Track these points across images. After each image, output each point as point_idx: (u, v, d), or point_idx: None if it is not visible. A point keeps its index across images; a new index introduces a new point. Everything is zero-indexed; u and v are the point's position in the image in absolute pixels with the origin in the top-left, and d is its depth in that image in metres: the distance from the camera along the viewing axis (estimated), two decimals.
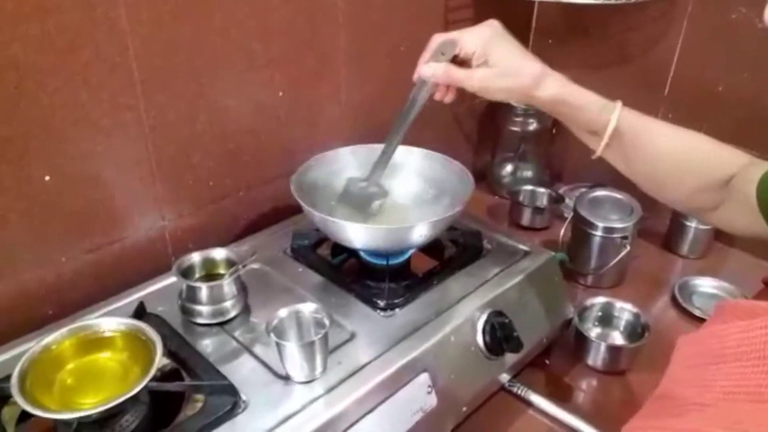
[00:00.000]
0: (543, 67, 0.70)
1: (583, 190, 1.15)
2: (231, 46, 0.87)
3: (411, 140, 0.97)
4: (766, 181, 0.64)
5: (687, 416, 0.42)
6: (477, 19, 1.23)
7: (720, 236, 1.19)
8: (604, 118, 0.69)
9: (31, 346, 0.63)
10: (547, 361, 0.93)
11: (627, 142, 0.70)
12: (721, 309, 0.50)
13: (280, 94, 0.96)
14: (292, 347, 0.66)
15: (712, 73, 1.13)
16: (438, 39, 0.73)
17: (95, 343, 0.65)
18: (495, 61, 0.70)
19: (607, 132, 0.69)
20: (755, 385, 0.39)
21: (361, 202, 0.87)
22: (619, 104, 0.70)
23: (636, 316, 0.95)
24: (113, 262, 0.85)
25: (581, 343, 0.92)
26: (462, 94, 0.77)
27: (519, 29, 1.34)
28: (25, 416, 0.64)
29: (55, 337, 0.64)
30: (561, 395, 0.87)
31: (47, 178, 0.75)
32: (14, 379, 0.58)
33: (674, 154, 0.71)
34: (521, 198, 1.28)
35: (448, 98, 0.78)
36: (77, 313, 0.77)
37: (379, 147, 0.96)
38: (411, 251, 0.89)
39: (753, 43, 1.05)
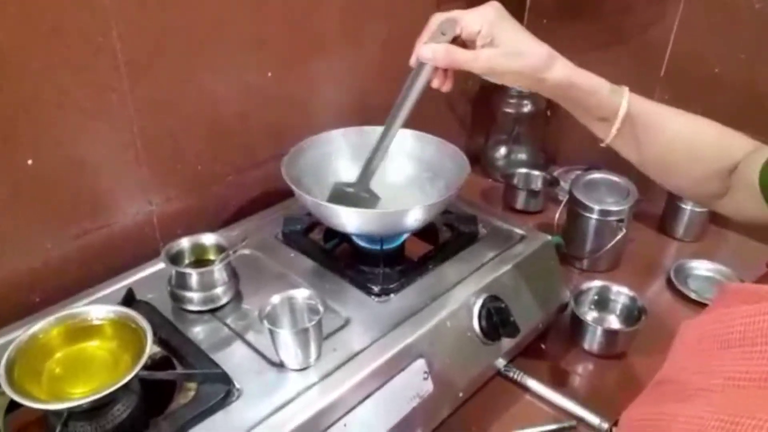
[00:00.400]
0: (551, 49, 0.66)
1: (579, 172, 1.14)
2: (220, 26, 0.85)
3: (406, 124, 0.95)
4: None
5: (693, 402, 0.41)
6: (471, 1, 1.21)
7: (715, 219, 1.18)
8: (615, 103, 0.67)
9: (17, 335, 0.62)
10: (543, 346, 0.92)
11: (637, 127, 0.68)
12: (724, 293, 0.49)
13: (269, 75, 0.94)
14: (285, 334, 0.65)
15: (708, 55, 1.11)
16: (438, 18, 0.68)
17: (84, 331, 0.63)
18: (501, 42, 0.64)
19: (619, 116, 0.67)
20: (763, 371, 0.39)
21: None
22: (626, 89, 0.68)
23: (632, 299, 0.94)
24: (100, 248, 0.83)
25: (577, 327, 0.91)
26: (457, 75, 0.72)
27: (513, 8, 1.31)
28: (13, 406, 0.62)
29: (42, 326, 0.62)
30: (558, 380, 0.86)
31: (30, 162, 0.73)
32: (2, 369, 0.56)
33: (683, 140, 0.69)
34: (515, 181, 1.27)
35: (446, 87, 0.71)
36: (65, 300, 0.76)
37: (371, 129, 0.95)
38: (405, 235, 0.87)
39: (750, 24, 1.04)
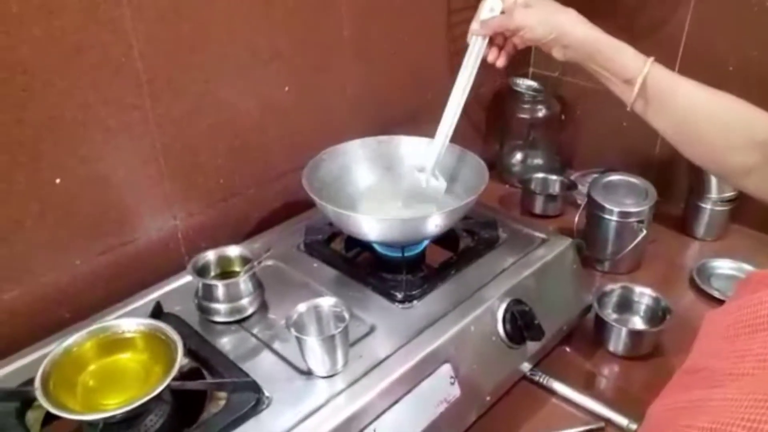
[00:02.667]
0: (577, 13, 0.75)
1: (596, 175, 1.14)
2: (235, 41, 0.87)
3: (419, 131, 0.97)
4: None
5: (722, 387, 0.41)
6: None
7: (736, 217, 1.17)
8: (639, 64, 0.71)
9: (49, 350, 0.63)
10: (568, 349, 0.92)
11: (660, 90, 0.71)
12: (748, 281, 0.50)
13: (286, 89, 0.95)
14: (312, 342, 0.65)
15: (721, 52, 1.11)
16: (485, 1, 0.79)
17: (116, 344, 0.64)
18: (535, 4, 0.75)
19: (642, 74, 0.70)
20: None
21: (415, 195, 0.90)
22: (651, 58, 0.72)
23: (656, 300, 0.94)
24: (127, 263, 0.84)
25: (602, 329, 0.91)
26: (510, 53, 0.82)
27: None
28: (48, 419, 0.63)
29: (75, 339, 0.63)
30: (584, 382, 0.86)
31: (58, 180, 0.74)
32: (38, 382, 0.58)
33: (706, 109, 0.71)
34: (533, 186, 1.27)
35: (500, 62, 0.83)
36: (94, 315, 0.77)
37: (387, 138, 0.97)
38: (426, 242, 0.88)
39: (762, 20, 1.04)
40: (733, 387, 0.42)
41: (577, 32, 0.73)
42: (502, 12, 0.78)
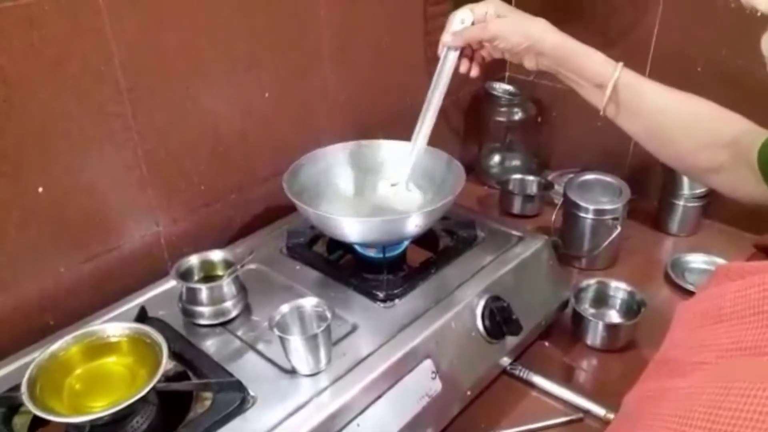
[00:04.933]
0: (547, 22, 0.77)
1: (572, 175, 1.17)
2: (216, 49, 0.88)
3: (399, 135, 0.99)
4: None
5: (691, 374, 0.43)
6: (456, 8, 1.25)
7: (708, 213, 1.21)
8: (609, 69, 0.73)
9: (34, 357, 0.64)
10: (547, 344, 0.94)
11: (630, 94, 0.73)
12: (715, 274, 0.52)
13: (266, 95, 0.97)
14: (296, 341, 0.67)
15: (691, 52, 1.14)
16: (455, 14, 0.80)
17: (101, 348, 0.65)
18: (507, 15, 0.78)
19: (612, 79, 0.72)
20: (753, 340, 0.41)
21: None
22: (620, 63, 0.74)
23: (631, 294, 0.97)
24: (111, 270, 0.85)
25: (579, 323, 0.93)
26: (482, 64, 0.84)
27: None
28: (35, 425, 0.64)
29: (61, 345, 0.64)
30: (562, 375, 0.88)
31: (41, 189, 0.75)
32: (24, 387, 0.58)
33: (674, 110, 0.73)
34: (511, 187, 1.30)
35: (474, 72, 0.84)
36: (78, 322, 0.78)
37: (368, 142, 0.98)
38: (406, 242, 0.90)
39: (729, 20, 1.07)
40: (699, 375, 0.43)
41: (550, 40, 0.75)
42: (473, 23, 0.80)
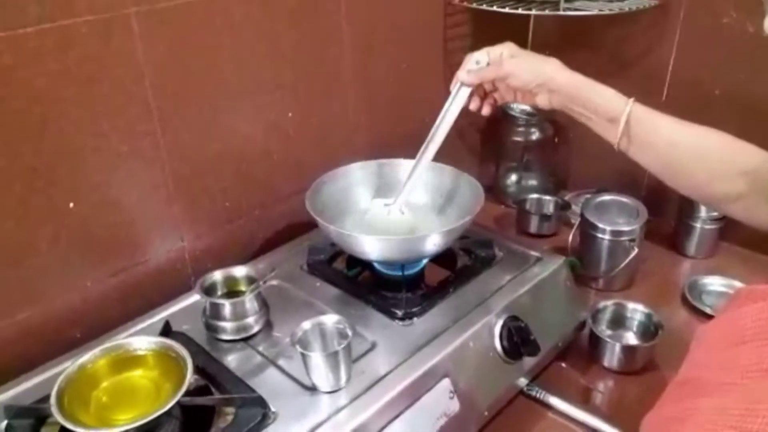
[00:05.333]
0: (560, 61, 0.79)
1: (588, 195, 1.18)
2: (241, 71, 0.90)
3: (416, 155, 1.00)
4: None
5: (711, 397, 0.44)
6: (475, 34, 1.27)
7: (726, 236, 1.20)
8: (621, 104, 0.74)
9: (61, 369, 0.66)
10: (564, 365, 0.94)
11: (642, 128, 0.74)
12: (737, 296, 0.53)
13: (290, 115, 0.99)
14: (317, 357, 0.68)
15: (707, 77, 1.15)
16: (471, 54, 0.81)
17: (128, 361, 0.67)
18: (519, 54, 0.80)
19: (624, 114, 0.73)
20: None
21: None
22: (632, 99, 0.75)
23: (648, 316, 0.97)
24: (136, 284, 0.87)
25: (596, 344, 0.93)
26: (493, 103, 0.85)
27: (516, 42, 1.38)
28: None
29: (89, 357, 0.66)
30: (579, 397, 0.88)
31: (71, 205, 0.78)
32: (53, 398, 0.60)
33: (689, 141, 0.74)
34: (528, 206, 1.30)
35: (485, 110, 0.85)
36: (104, 335, 0.79)
37: (387, 161, 1.00)
38: (425, 261, 0.91)
39: (745, 45, 1.08)
40: (720, 397, 0.44)
41: (562, 77, 0.77)
42: (488, 65, 0.81)
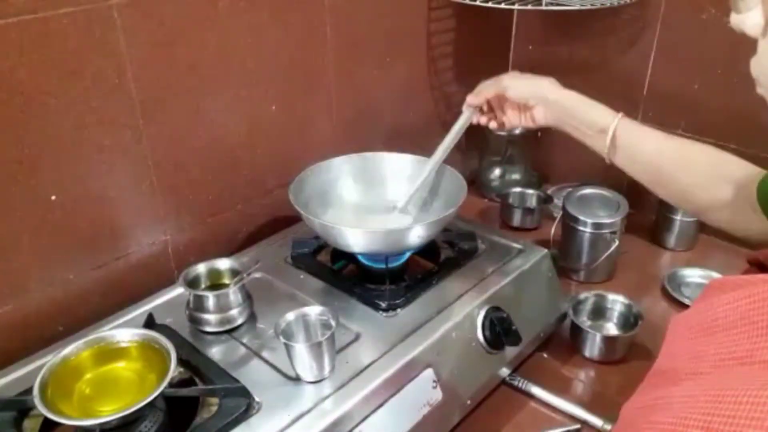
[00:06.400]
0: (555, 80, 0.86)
1: (571, 189, 1.19)
2: (225, 64, 0.90)
3: (401, 148, 1.01)
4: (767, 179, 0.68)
5: (685, 384, 0.45)
6: (459, 29, 1.27)
7: (705, 228, 1.22)
8: (610, 117, 0.80)
9: (43, 362, 0.65)
10: (546, 355, 0.95)
11: (629, 139, 0.79)
12: (709, 287, 0.54)
13: (273, 108, 0.99)
14: (300, 348, 0.68)
15: (687, 71, 1.17)
16: (482, 84, 0.90)
17: (111, 353, 0.67)
18: (519, 76, 0.88)
19: (612, 126, 0.79)
20: (745, 349, 0.42)
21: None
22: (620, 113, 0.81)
23: (628, 306, 0.98)
24: (119, 278, 0.87)
25: (577, 335, 0.95)
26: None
27: (499, 37, 1.39)
28: (45, 428, 0.65)
29: (72, 349, 0.66)
30: (561, 386, 0.89)
31: (54, 197, 0.77)
32: (36, 390, 0.60)
33: (673, 150, 0.79)
34: (511, 200, 1.32)
35: (492, 125, 0.93)
36: (87, 328, 0.79)
37: (371, 154, 1.01)
38: (409, 253, 0.92)
39: (724, 41, 1.10)
40: (693, 384, 0.45)
41: (557, 93, 0.84)
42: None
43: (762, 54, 0.52)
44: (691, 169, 0.78)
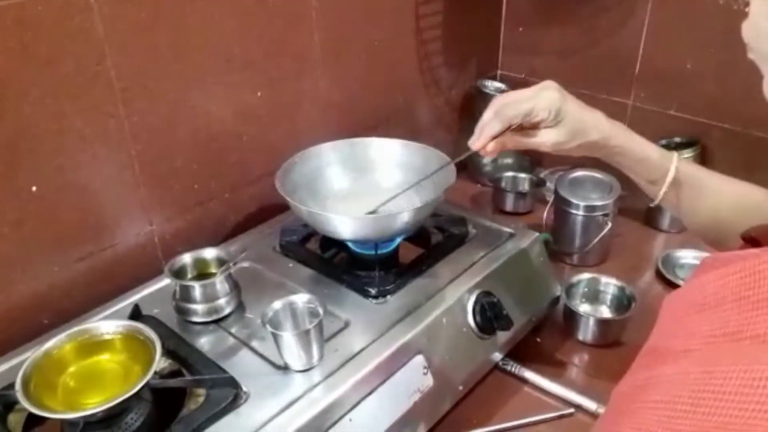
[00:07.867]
0: (605, 118, 0.72)
1: (563, 172, 1.18)
2: (209, 49, 0.89)
3: (391, 133, 1.00)
4: None
5: (677, 362, 0.44)
6: (448, 11, 1.25)
7: None
8: (664, 167, 0.72)
9: (28, 356, 0.64)
10: (539, 339, 0.95)
11: (684, 190, 0.73)
12: (701, 264, 0.53)
13: (259, 94, 0.98)
14: (288, 336, 0.67)
15: (679, 51, 1.16)
16: (508, 110, 0.72)
17: (95, 346, 0.66)
18: (565, 123, 0.71)
19: (667, 180, 0.72)
20: (735, 325, 0.42)
21: None
22: (675, 154, 0.73)
23: (621, 289, 0.98)
24: (105, 269, 0.85)
25: (570, 318, 0.94)
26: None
27: (489, 18, 1.37)
28: (30, 423, 0.64)
29: (55, 342, 0.64)
30: (554, 370, 0.89)
31: (34, 188, 0.76)
32: (18, 384, 0.59)
33: (729, 202, 0.72)
34: (503, 184, 1.31)
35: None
36: (72, 321, 0.78)
37: (359, 140, 0.99)
38: (399, 239, 0.91)
39: (716, 19, 1.09)
40: (683, 362, 0.44)
41: (606, 147, 0.72)
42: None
43: (754, 16, 0.50)
44: (747, 220, 0.66)
